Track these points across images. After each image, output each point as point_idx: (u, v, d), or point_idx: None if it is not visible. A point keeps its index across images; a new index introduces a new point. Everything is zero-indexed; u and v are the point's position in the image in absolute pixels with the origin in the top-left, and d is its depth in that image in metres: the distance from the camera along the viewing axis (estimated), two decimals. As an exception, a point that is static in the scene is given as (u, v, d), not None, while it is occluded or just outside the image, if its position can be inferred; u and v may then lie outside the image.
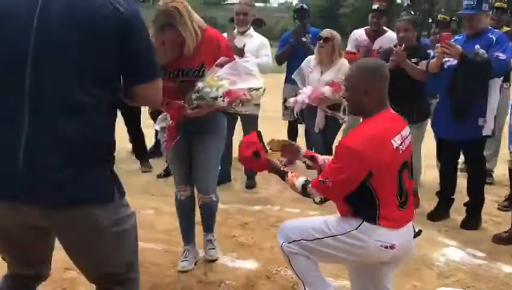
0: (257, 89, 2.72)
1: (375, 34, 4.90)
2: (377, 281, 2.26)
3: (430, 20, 55.04)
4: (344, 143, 2.11)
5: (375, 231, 2.07)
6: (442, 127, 3.77)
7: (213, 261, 3.12)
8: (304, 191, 2.16)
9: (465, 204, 3.85)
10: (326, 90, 4.15)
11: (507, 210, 3.99)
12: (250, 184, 4.69)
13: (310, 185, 2.13)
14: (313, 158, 2.50)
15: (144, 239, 3.42)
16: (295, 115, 4.62)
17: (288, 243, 2.20)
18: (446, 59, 3.59)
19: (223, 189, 4.24)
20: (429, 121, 4.02)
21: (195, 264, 3.06)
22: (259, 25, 5.48)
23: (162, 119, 2.71)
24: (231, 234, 3.56)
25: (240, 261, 3.16)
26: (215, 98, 2.53)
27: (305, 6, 5.42)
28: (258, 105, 3.60)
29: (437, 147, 4.04)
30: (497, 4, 4.89)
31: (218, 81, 2.56)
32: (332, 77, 4.22)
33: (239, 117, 4.42)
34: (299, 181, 2.18)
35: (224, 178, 4.48)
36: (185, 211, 3.08)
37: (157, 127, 2.78)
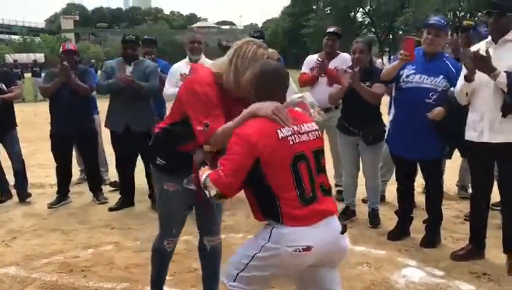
0: None
1: (329, 57, 4.97)
2: (323, 286, 2.14)
3: (391, 37, 56.82)
4: (234, 131, 2.06)
5: (284, 236, 1.97)
6: (397, 145, 3.78)
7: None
8: (204, 182, 2.07)
9: (424, 221, 3.91)
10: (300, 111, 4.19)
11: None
12: None
13: (208, 176, 2.05)
14: None
15: (103, 278, 3.37)
16: None
17: (232, 281, 2.12)
18: (411, 69, 3.54)
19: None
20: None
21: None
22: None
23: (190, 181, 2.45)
24: (193, 267, 3.48)
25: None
26: None
27: (260, 35, 5.23)
28: None
29: (393, 162, 4.08)
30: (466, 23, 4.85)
31: None
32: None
33: None
34: (206, 173, 2.09)
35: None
36: (166, 262, 2.80)
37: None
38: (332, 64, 4.88)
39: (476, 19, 46.75)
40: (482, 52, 3.05)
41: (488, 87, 3.16)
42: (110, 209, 4.84)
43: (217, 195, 2.03)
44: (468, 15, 47.69)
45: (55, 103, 4.93)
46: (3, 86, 5.03)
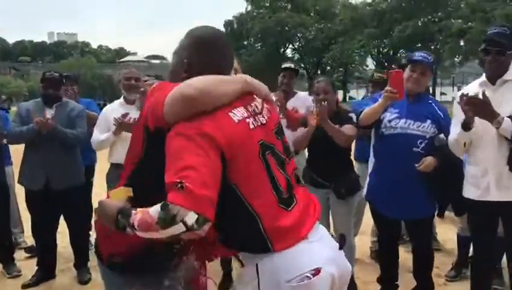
0: None
1: (286, 96, 4.41)
2: None
3: (319, 72, 58.65)
4: (177, 131, 1.41)
5: (278, 268, 1.43)
6: (379, 202, 3.21)
7: None
8: (168, 215, 1.29)
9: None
10: None
11: (454, 280, 3.63)
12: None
13: (169, 204, 1.30)
14: None
15: None
16: None
17: None
18: (394, 113, 3.01)
19: None
20: (362, 193, 3.46)
21: None
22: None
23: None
24: None
25: None
26: None
27: None
28: None
29: (374, 221, 3.51)
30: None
31: None
32: None
33: None
34: (154, 208, 1.32)
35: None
36: None
37: None
38: (290, 105, 4.30)
39: (399, 55, 49.49)
40: (479, 96, 2.56)
41: (489, 135, 2.68)
42: (24, 287, 3.85)
43: (199, 221, 1.29)
44: (392, 52, 50.26)
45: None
46: None
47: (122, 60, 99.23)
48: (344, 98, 52.14)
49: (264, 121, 1.58)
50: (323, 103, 3.29)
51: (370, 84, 4.69)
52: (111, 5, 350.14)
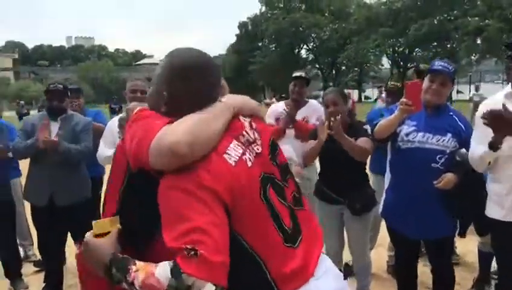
0: None
1: (297, 105, 4.25)
2: None
3: (334, 72, 58.20)
4: (171, 184, 1.24)
5: None
6: (397, 220, 3.01)
7: None
8: (181, 285, 1.15)
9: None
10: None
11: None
12: None
13: (182, 273, 1.15)
14: None
15: None
16: None
17: None
18: (412, 126, 2.82)
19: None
20: (378, 208, 3.27)
21: None
22: None
23: None
24: None
25: None
26: None
27: None
28: None
29: (391, 238, 3.33)
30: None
31: None
32: None
33: None
34: (163, 272, 1.18)
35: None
36: None
37: None
38: (301, 114, 4.14)
39: (414, 54, 48.84)
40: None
41: None
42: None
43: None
44: (407, 51, 49.62)
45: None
46: None
47: (138, 62, 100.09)
48: (360, 97, 51.70)
49: (260, 150, 1.42)
50: (336, 117, 3.12)
51: (385, 92, 4.52)
52: (127, 8, 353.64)
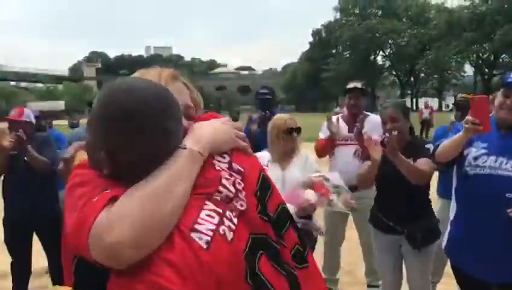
0: None
1: (354, 117, 3.86)
2: None
3: (412, 79, 56.03)
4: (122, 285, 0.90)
5: None
6: (462, 258, 2.54)
7: None
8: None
9: None
10: (311, 195, 2.93)
11: None
12: None
13: None
14: None
15: None
16: None
17: None
18: (481, 148, 2.38)
19: None
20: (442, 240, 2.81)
21: None
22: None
23: None
24: None
25: None
26: None
27: (267, 94, 4.40)
28: None
29: (456, 279, 2.83)
30: None
31: None
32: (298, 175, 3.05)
33: None
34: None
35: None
36: None
37: None
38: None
39: (501, 60, 45.76)
40: None
41: None
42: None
43: None
44: (492, 57, 46.64)
45: (9, 180, 3.89)
46: None
47: (213, 71, 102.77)
48: (440, 106, 49.30)
49: (244, 206, 1.02)
50: (392, 132, 2.72)
51: (454, 106, 4.00)
52: (204, 19, 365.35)
